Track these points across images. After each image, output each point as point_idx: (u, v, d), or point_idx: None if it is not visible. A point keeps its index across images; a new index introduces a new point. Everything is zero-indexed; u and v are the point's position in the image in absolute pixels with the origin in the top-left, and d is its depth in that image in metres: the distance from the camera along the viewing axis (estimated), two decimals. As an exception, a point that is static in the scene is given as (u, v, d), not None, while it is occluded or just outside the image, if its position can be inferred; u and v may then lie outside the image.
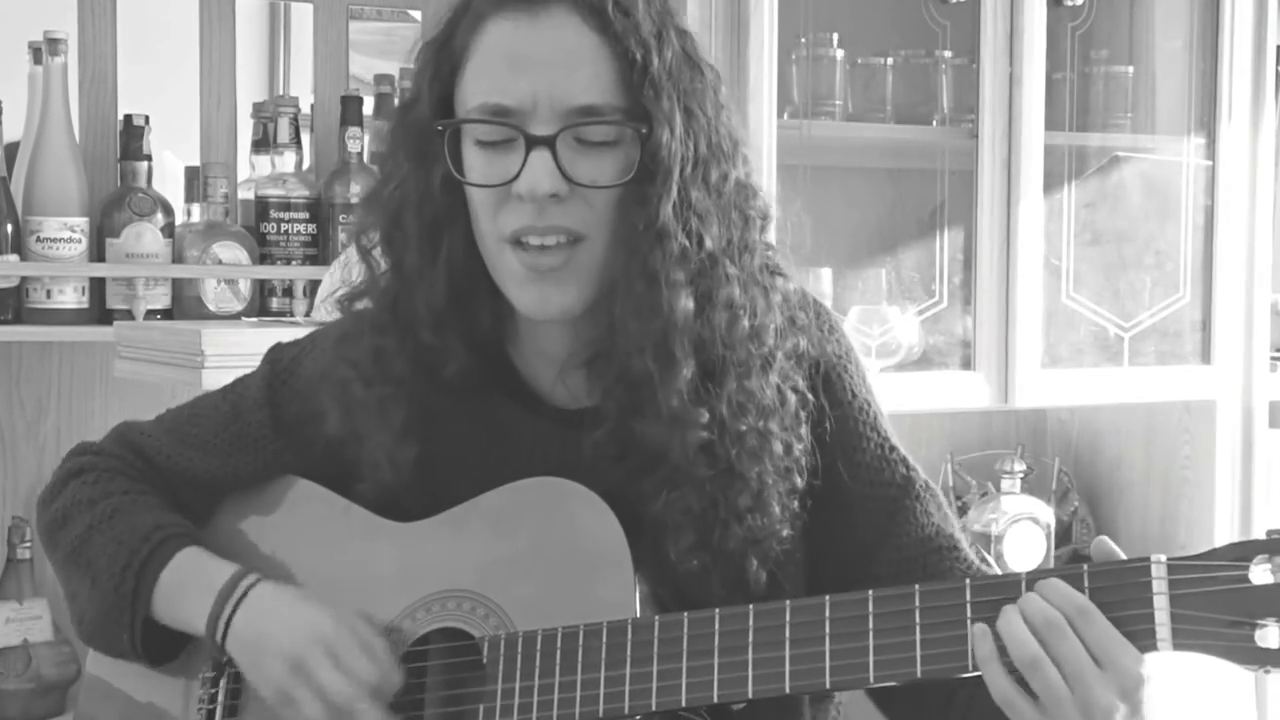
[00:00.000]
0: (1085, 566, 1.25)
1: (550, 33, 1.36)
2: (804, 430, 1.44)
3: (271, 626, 1.44)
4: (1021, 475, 2.88)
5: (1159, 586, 1.21)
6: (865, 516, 1.48)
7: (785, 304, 1.46)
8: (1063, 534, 2.95)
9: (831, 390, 1.49)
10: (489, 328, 1.47)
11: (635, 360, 1.38)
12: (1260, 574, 1.19)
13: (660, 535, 1.39)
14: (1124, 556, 1.26)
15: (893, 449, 1.51)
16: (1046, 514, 2.87)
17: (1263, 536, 1.20)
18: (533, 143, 1.36)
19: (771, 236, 1.50)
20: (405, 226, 1.45)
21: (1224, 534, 2.84)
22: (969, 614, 1.27)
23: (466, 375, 1.47)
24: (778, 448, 1.41)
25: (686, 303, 1.37)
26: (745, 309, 1.40)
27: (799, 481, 1.43)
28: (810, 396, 1.46)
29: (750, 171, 1.46)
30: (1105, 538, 1.28)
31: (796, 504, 1.43)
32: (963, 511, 2.92)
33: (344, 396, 1.49)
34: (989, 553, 2.80)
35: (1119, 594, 1.23)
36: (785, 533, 1.41)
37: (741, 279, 1.40)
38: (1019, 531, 2.82)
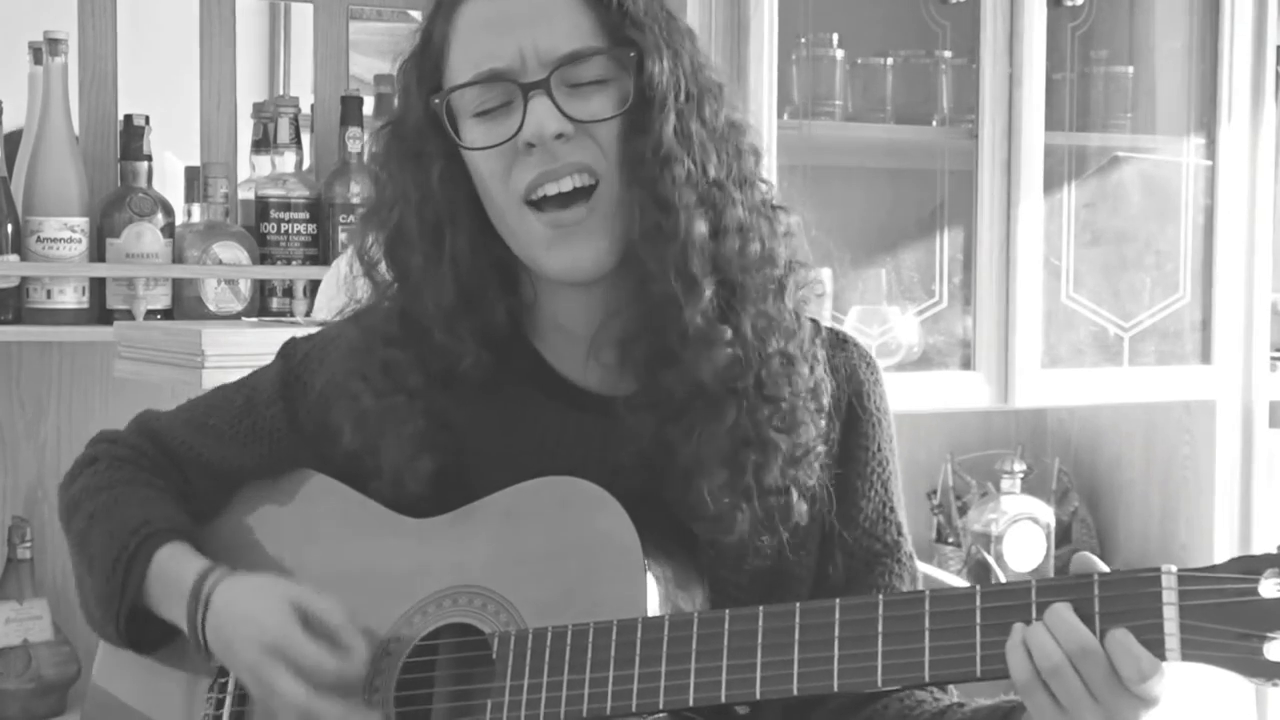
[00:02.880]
0: (1095, 576, 1.25)
1: None
2: (820, 355, 1.48)
3: (231, 633, 1.45)
4: (1021, 475, 2.89)
5: (1169, 597, 1.21)
6: (845, 560, 1.52)
7: (789, 236, 1.48)
8: (1063, 534, 2.95)
9: (859, 437, 1.52)
10: (505, 324, 1.48)
11: (657, 285, 1.40)
12: (1270, 587, 1.19)
13: (690, 476, 1.41)
14: (1105, 569, 1.27)
15: (893, 510, 1.54)
16: (1046, 514, 2.87)
17: (1273, 550, 1.20)
18: (529, 90, 1.39)
19: (771, 174, 1.51)
20: (407, 232, 1.47)
21: (1224, 534, 2.85)
22: (978, 620, 1.27)
23: (484, 371, 1.48)
24: (804, 370, 1.44)
25: (700, 225, 1.40)
26: (755, 233, 1.42)
27: (825, 402, 1.46)
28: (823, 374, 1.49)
29: (743, 115, 1.49)
30: (1086, 553, 1.29)
31: (824, 422, 1.46)
32: (963, 511, 2.92)
33: (356, 410, 1.50)
34: (989, 553, 2.80)
35: (1129, 604, 1.23)
36: (820, 448, 1.44)
37: (748, 205, 1.43)
38: (1019, 531, 2.82)
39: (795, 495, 1.44)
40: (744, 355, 1.41)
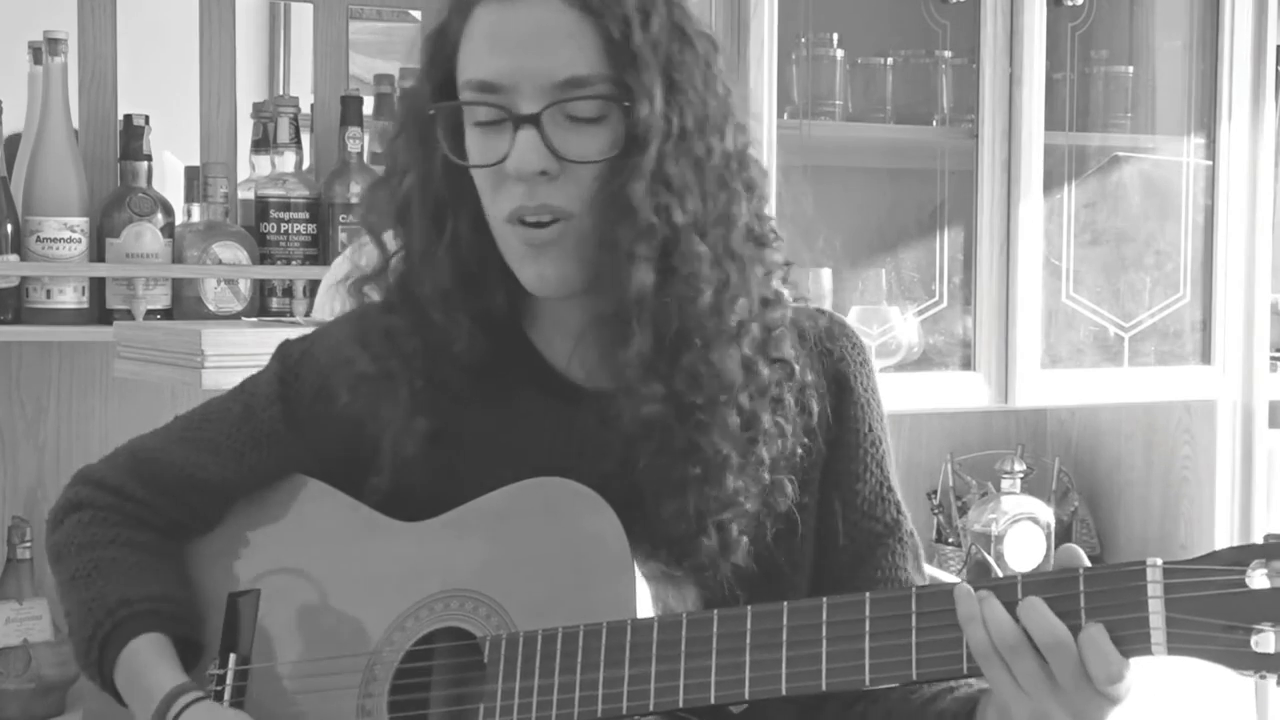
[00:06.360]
0: (1080, 570, 1.24)
1: (528, 13, 1.38)
2: (789, 399, 1.45)
3: None
4: (1021, 475, 2.89)
5: (1154, 590, 1.21)
6: (847, 543, 1.51)
7: (768, 276, 1.46)
8: (1063, 534, 2.95)
9: (849, 420, 1.51)
10: (504, 306, 1.48)
11: (601, 330, 1.41)
12: (1258, 579, 1.18)
13: (649, 499, 1.40)
14: (1088, 563, 1.26)
15: (890, 489, 1.53)
16: (1046, 514, 2.87)
17: (1260, 541, 1.20)
18: (519, 121, 1.37)
19: (770, 175, 1.47)
20: (411, 209, 1.47)
21: (1224, 534, 2.85)
22: (965, 616, 1.27)
23: (478, 354, 1.48)
24: (734, 421, 1.41)
25: (645, 276, 1.37)
26: (710, 283, 1.39)
27: (766, 453, 1.43)
28: (810, 377, 1.48)
29: (748, 141, 1.46)
30: (1072, 545, 1.28)
31: (768, 475, 1.43)
32: (963, 511, 2.92)
33: (352, 373, 1.50)
34: (989, 553, 2.80)
35: (1114, 598, 1.22)
36: (749, 506, 1.42)
37: (713, 253, 1.40)
38: (1019, 531, 2.82)
39: (734, 530, 1.41)
40: (673, 409, 1.40)
